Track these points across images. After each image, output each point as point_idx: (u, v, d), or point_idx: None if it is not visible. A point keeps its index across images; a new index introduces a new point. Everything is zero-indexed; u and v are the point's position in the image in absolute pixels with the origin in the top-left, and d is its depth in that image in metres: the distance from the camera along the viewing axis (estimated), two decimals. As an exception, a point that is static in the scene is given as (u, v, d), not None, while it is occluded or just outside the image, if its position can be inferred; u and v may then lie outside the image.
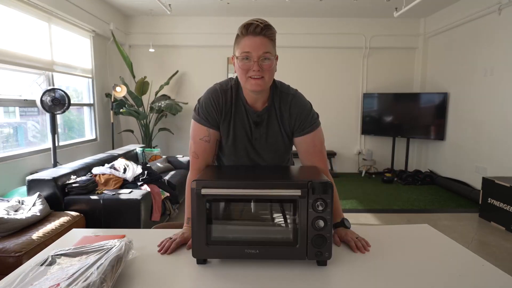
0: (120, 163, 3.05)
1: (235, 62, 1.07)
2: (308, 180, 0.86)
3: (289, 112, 1.14)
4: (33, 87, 3.33)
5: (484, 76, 4.02)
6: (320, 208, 0.85)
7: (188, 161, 4.27)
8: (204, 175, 0.95)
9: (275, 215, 0.92)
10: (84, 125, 4.44)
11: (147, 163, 3.62)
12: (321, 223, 0.86)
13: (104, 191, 2.63)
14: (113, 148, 4.67)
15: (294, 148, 1.24)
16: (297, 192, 0.84)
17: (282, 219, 0.92)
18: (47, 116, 3.25)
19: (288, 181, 0.88)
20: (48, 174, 2.53)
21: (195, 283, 0.83)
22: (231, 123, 1.15)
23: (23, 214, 2.14)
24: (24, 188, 2.65)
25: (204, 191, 0.84)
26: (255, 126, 1.16)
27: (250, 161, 1.21)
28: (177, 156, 4.33)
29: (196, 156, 1.13)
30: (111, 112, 4.60)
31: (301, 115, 1.14)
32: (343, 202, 3.93)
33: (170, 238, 1.02)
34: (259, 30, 0.99)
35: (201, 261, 0.91)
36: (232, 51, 1.10)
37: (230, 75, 5.34)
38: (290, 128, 1.16)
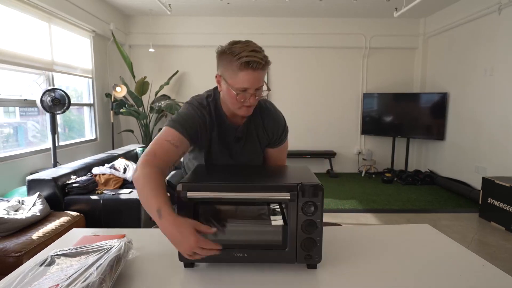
0: (120, 163, 3.05)
1: (225, 88, 1.03)
2: (298, 183, 0.83)
3: (267, 127, 1.18)
4: (33, 87, 3.33)
5: (484, 76, 4.02)
6: (310, 211, 0.84)
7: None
8: (190, 177, 0.92)
9: (264, 218, 0.91)
10: (84, 125, 4.44)
11: (147, 163, 3.62)
12: (311, 226, 0.84)
13: (104, 191, 2.63)
14: (113, 148, 4.67)
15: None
16: (286, 196, 0.82)
17: (271, 222, 0.90)
18: (47, 116, 3.25)
19: (277, 183, 0.86)
20: (48, 174, 2.53)
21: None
22: (212, 138, 1.13)
23: (23, 214, 2.14)
24: (24, 188, 2.65)
25: (190, 194, 0.82)
26: (236, 141, 1.16)
27: None
28: (177, 156, 4.33)
29: (152, 155, 0.96)
30: (111, 112, 4.60)
31: (278, 131, 1.20)
32: (343, 202, 3.93)
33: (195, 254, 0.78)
34: (260, 67, 0.97)
35: (189, 264, 0.89)
36: (218, 69, 1.04)
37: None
38: (266, 140, 1.20)
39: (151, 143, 1.01)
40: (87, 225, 2.46)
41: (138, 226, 2.52)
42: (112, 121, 4.65)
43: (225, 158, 1.17)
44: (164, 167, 0.96)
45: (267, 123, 1.17)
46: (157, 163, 0.94)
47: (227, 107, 1.10)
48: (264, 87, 1.04)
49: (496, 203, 3.14)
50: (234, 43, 1.00)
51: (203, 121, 1.09)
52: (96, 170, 2.88)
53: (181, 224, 0.77)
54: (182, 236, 0.76)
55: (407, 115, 5.09)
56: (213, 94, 1.14)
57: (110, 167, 2.95)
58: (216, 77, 1.06)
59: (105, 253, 0.82)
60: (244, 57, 0.94)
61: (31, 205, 2.27)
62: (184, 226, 0.76)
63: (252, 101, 1.01)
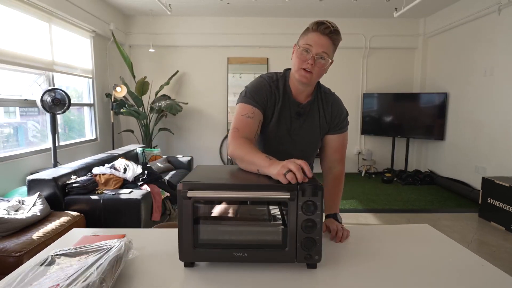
0: (120, 163, 3.05)
1: (295, 50, 1.16)
2: (298, 183, 0.83)
3: (331, 110, 1.25)
4: (33, 87, 3.33)
5: (484, 76, 4.02)
6: (310, 210, 0.84)
7: (188, 161, 4.29)
8: (191, 176, 0.92)
9: (264, 218, 0.91)
10: (84, 125, 4.44)
11: (147, 163, 3.63)
12: (311, 225, 0.84)
13: (104, 191, 2.63)
14: (113, 148, 4.67)
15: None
16: (286, 195, 0.82)
17: (271, 222, 0.91)
18: (47, 116, 3.25)
19: (277, 183, 0.86)
20: (48, 174, 2.53)
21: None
22: (276, 109, 1.21)
23: (23, 214, 2.14)
24: (24, 188, 2.65)
25: (190, 193, 0.82)
26: (296, 117, 1.23)
27: (280, 152, 1.18)
28: (177, 156, 4.33)
29: (236, 130, 1.12)
30: (111, 112, 4.60)
31: (341, 116, 1.26)
32: (343, 202, 3.93)
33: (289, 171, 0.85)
34: (327, 31, 1.07)
35: (189, 264, 0.89)
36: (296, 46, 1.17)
37: (230, 76, 5.35)
38: (327, 125, 1.26)
39: (232, 121, 1.17)
40: (87, 225, 2.46)
41: (138, 226, 2.52)
42: (112, 121, 4.65)
43: (283, 131, 1.23)
44: (249, 137, 1.12)
45: (330, 105, 1.25)
46: (242, 135, 1.11)
47: (294, 84, 1.19)
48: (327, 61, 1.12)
49: (496, 203, 3.14)
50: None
51: (271, 91, 1.20)
52: (96, 170, 2.88)
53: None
54: (286, 161, 0.88)
55: (407, 115, 5.09)
56: (284, 72, 1.26)
57: (110, 167, 2.95)
58: (293, 47, 1.19)
59: (105, 253, 0.82)
60: (318, 21, 1.09)
61: (31, 205, 2.27)
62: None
63: (311, 62, 1.09)
